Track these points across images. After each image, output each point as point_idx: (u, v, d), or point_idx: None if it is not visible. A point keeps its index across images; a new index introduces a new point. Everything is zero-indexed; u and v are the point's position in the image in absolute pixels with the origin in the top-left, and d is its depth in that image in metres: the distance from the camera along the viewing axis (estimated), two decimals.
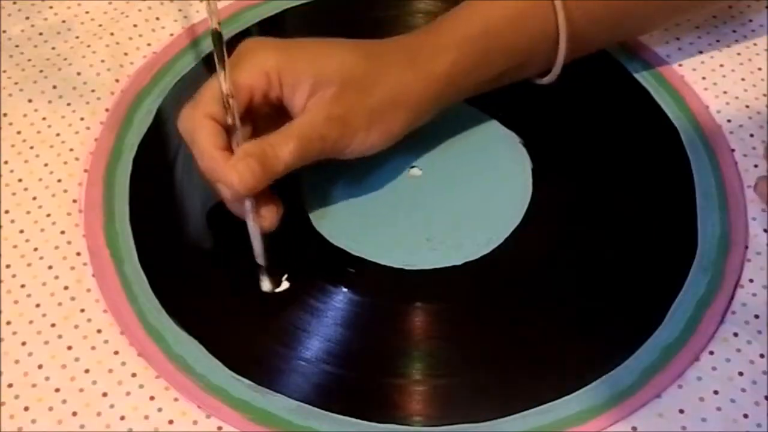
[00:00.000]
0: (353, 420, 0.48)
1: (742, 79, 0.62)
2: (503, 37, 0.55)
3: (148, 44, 0.64)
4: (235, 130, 0.51)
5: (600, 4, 0.57)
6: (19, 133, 0.59)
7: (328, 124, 0.51)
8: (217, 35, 0.51)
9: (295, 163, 0.51)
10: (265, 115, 0.53)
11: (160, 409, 0.48)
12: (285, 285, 0.53)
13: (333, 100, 0.52)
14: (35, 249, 0.54)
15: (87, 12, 0.66)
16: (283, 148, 0.50)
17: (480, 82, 0.56)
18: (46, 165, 0.58)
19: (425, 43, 0.55)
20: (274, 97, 0.52)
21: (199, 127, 0.51)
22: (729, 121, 0.60)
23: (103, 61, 0.63)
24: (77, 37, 0.65)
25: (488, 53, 0.55)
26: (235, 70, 0.51)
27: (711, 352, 0.50)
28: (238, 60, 0.52)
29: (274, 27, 0.66)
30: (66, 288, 0.53)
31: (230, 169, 0.49)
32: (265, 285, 0.53)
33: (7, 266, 0.53)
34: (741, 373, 0.50)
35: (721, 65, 0.63)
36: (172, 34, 0.65)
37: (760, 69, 0.63)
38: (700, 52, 0.64)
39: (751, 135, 0.60)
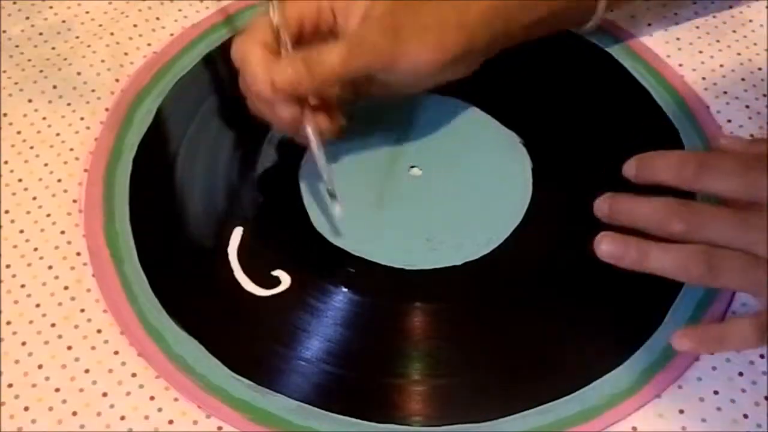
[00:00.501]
0: (353, 420, 0.48)
1: (742, 79, 0.62)
2: None
3: (148, 44, 0.64)
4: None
5: None
6: (19, 133, 0.59)
7: (380, 32, 0.51)
8: None
9: (341, 71, 0.51)
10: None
11: (160, 409, 0.48)
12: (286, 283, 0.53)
13: (384, 13, 0.52)
14: (35, 249, 0.54)
15: (87, 12, 0.66)
16: (331, 53, 0.51)
17: (528, 24, 0.56)
18: (46, 165, 0.58)
19: None
20: (326, 28, 0.53)
21: (250, 52, 0.51)
22: (729, 121, 0.60)
23: (103, 61, 0.63)
24: (77, 37, 0.65)
25: None
26: (285, 2, 0.51)
27: (711, 353, 0.50)
28: None
29: None
30: (66, 288, 0.53)
31: (276, 68, 0.50)
32: (337, 211, 0.53)
33: (7, 266, 0.53)
34: (741, 374, 0.50)
35: (721, 65, 0.63)
36: (172, 34, 0.65)
37: (760, 69, 0.63)
38: (700, 52, 0.64)
39: (751, 135, 0.60)
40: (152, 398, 0.49)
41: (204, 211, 0.56)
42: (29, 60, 0.63)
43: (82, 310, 0.52)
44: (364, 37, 0.51)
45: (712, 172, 0.46)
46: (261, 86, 0.51)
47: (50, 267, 0.53)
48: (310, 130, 0.52)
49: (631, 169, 0.48)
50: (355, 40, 0.51)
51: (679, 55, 0.64)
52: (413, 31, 0.52)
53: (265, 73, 0.51)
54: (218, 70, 0.63)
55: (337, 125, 0.53)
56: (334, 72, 0.51)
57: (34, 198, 0.56)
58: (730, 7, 0.66)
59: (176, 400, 0.49)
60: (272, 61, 0.51)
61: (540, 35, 0.58)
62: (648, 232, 0.47)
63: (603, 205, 0.48)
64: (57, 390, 0.49)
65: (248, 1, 0.66)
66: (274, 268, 0.53)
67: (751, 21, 0.66)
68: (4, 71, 0.62)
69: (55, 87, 0.62)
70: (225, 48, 0.64)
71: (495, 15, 0.54)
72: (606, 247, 0.47)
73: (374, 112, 0.58)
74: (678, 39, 0.65)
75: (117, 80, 0.62)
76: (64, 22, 0.65)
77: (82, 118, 0.60)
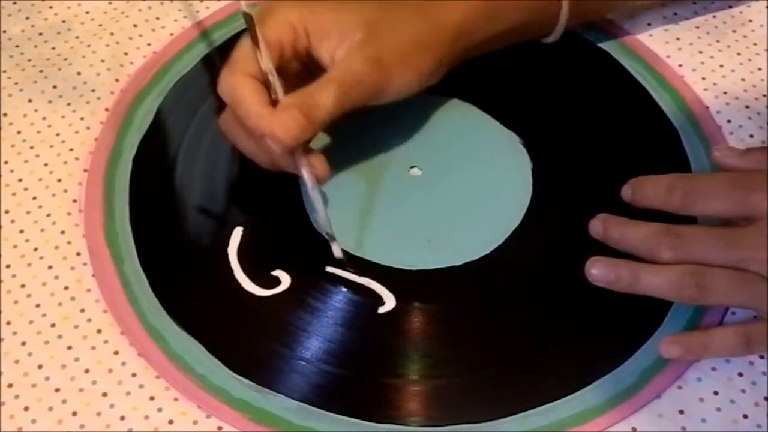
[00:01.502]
0: (353, 420, 0.48)
1: (742, 80, 0.62)
2: None
3: (148, 44, 0.64)
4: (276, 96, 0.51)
5: None
6: (19, 133, 0.59)
7: (365, 66, 0.52)
8: (248, 17, 0.52)
9: (336, 110, 0.51)
10: (296, 73, 0.54)
11: (160, 409, 0.48)
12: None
13: (363, 43, 0.52)
14: (35, 249, 0.54)
15: (87, 12, 0.66)
16: (323, 95, 0.51)
17: (490, 38, 0.57)
18: (46, 165, 0.58)
19: None
20: (302, 49, 0.53)
21: (241, 86, 0.51)
22: (729, 121, 0.60)
23: (103, 61, 0.63)
24: (77, 37, 0.65)
25: (496, 9, 0.56)
26: (261, 28, 0.52)
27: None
28: (262, 18, 0.52)
29: None
30: (66, 288, 0.53)
31: (275, 121, 0.50)
32: (337, 251, 0.53)
33: (7, 266, 0.53)
34: (741, 374, 0.50)
35: (721, 65, 0.63)
36: (172, 34, 0.65)
37: (760, 69, 0.63)
38: (700, 52, 0.64)
39: (751, 136, 0.60)
40: (152, 398, 0.49)
41: (204, 211, 0.56)
42: (29, 60, 0.63)
43: (82, 310, 0.52)
44: (352, 72, 0.52)
45: (698, 198, 0.49)
46: (256, 121, 0.51)
47: (50, 267, 0.53)
48: (306, 175, 0.52)
49: (627, 193, 0.51)
50: (344, 76, 0.52)
51: (679, 55, 0.64)
52: (395, 59, 0.53)
53: (259, 107, 0.51)
54: (218, 70, 0.63)
55: (326, 164, 0.53)
56: (330, 113, 0.51)
57: (34, 198, 0.56)
58: (730, 7, 0.66)
59: (176, 400, 0.49)
60: (263, 94, 0.51)
61: (498, 48, 0.59)
62: (640, 256, 0.49)
63: (597, 228, 0.51)
64: (57, 390, 0.49)
65: (247, 0, 0.66)
66: (274, 268, 0.53)
67: (751, 21, 0.66)
68: (4, 71, 0.62)
69: (55, 87, 0.62)
70: (225, 48, 0.64)
71: (460, 33, 0.55)
72: (597, 272, 0.49)
73: (374, 112, 0.58)
74: (678, 39, 0.65)
75: (117, 80, 0.62)
76: (64, 22, 0.65)
77: (82, 118, 0.60)
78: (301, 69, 0.54)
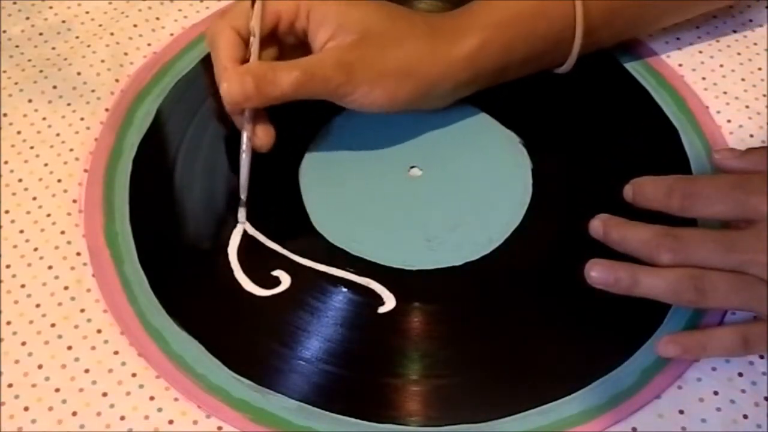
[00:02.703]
0: (353, 420, 0.48)
1: (742, 79, 0.62)
2: (525, 26, 0.57)
3: (148, 44, 0.64)
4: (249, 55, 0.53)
5: (617, 3, 0.59)
6: (19, 133, 0.59)
7: (336, 68, 0.53)
8: None
9: (291, 94, 0.52)
10: (292, 44, 0.56)
11: (160, 409, 0.48)
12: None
13: (348, 47, 0.53)
14: (35, 249, 0.54)
15: (87, 12, 0.66)
16: (284, 75, 0.52)
17: (499, 70, 0.57)
18: (46, 165, 0.58)
19: (450, 25, 0.56)
20: (300, 29, 0.55)
21: (221, 34, 0.54)
22: (729, 121, 0.60)
23: (103, 61, 0.63)
24: (77, 37, 0.65)
25: (510, 41, 0.56)
26: None
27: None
28: None
29: None
30: (66, 288, 0.53)
31: (227, 78, 0.52)
32: (241, 215, 0.54)
33: (7, 266, 0.53)
34: (741, 374, 0.50)
35: (721, 65, 0.63)
36: (172, 34, 0.65)
37: (760, 69, 0.63)
38: (700, 52, 0.64)
39: (751, 135, 0.60)
40: (152, 398, 0.49)
41: (204, 211, 0.56)
42: (29, 60, 0.63)
43: (82, 310, 0.52)
44: (322, 68, 0.53)
45: (697, 200, 0.49)
46: (218, 70, 0.54)
47: (50, 267, 0.53)
48: (244, 138, 0.53)
49: (628, 194, 0.51)
50: (309, 70, 0.53)
51: (679, 55, 0.64)
52: (368, 76, 0.53)
53: (227, 59, 0.53)
54: None
55: (269, 138, 0.54)
56: (283, 95, 0.52)
57: (34, 198, 0.56)
58: (730, 7, 0.66)
59: (176, 400, 0.49)
60: (239, 50, 0.54)
61: (510, 79, 0.58)
62: (639, 258, 0.49)
63: (597, 228, 0.50)
64: (57, 390, 0.49)
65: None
66: (274, 268, 0.53)
67: (751, 21, 0.66)
68: (4, 71, 0.62)
69: (55, 87, 0.62)
70: None
71: (469, 64, 0.56)
72: (596, 274, 0.49)
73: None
74: (678, 39, 0.65)
75: (117, 80, 0.62)
76: (64, 22, 0.65)
77: (82, 118, 0.60)
78: (297, 43, 0.56)
